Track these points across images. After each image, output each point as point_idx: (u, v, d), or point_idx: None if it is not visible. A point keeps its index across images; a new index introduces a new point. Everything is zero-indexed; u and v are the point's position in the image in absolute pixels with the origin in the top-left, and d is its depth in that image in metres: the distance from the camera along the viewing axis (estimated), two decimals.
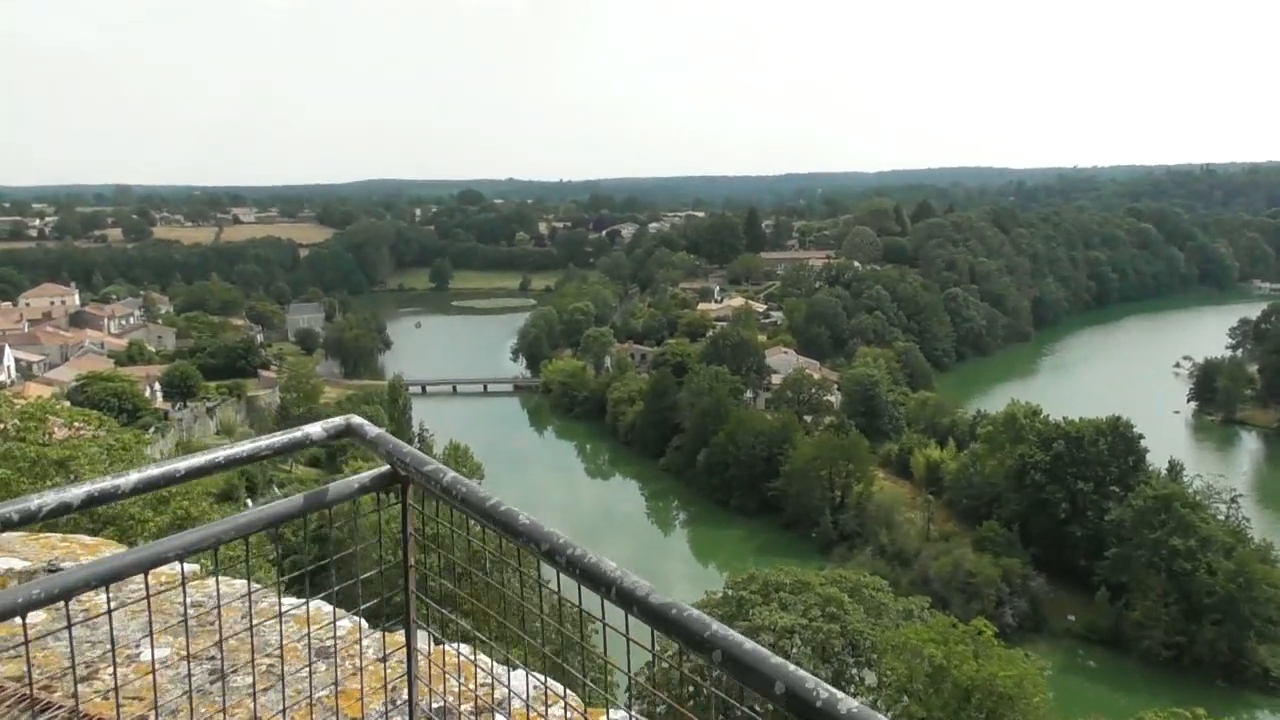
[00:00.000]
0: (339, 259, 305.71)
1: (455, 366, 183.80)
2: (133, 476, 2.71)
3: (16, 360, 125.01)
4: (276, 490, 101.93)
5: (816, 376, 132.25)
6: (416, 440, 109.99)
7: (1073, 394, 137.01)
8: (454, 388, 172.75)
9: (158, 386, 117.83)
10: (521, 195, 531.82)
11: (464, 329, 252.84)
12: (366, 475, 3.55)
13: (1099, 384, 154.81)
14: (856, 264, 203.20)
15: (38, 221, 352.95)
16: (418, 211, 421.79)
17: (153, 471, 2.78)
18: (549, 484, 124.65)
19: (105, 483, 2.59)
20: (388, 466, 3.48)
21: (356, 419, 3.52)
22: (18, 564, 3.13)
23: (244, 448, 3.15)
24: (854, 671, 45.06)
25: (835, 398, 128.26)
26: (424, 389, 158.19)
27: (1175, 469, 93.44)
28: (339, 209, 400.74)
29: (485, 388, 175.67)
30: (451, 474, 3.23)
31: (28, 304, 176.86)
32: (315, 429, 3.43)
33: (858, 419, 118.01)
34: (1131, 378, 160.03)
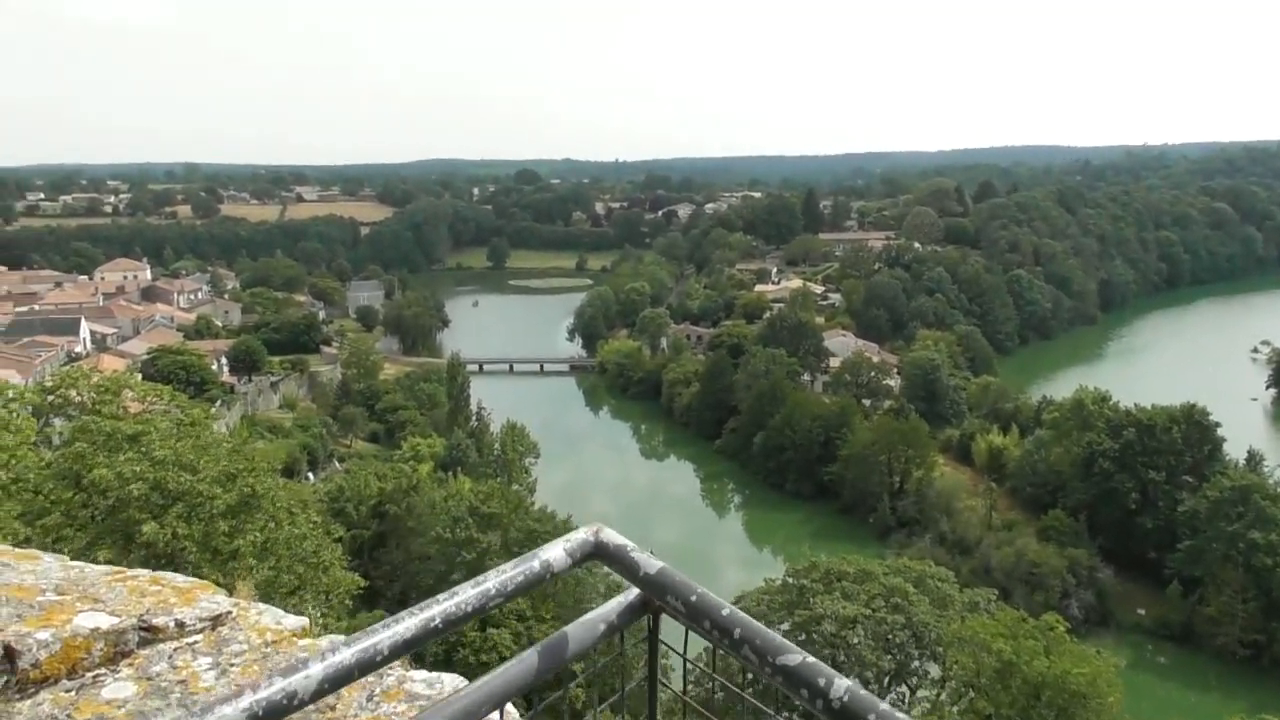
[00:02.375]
0: (398, 237, 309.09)
1: (512, 345, 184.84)
2: (318, 671, 2.03)
3: (92, 333, 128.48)
4: (337, 464, 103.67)
5: (875, 360, 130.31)
6: (474, 419, 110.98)
7: (1143, 380, 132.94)
8: (511, 367, 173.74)
9: (224, 360, 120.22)
10: (578, 175, 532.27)
11: (520, 308, 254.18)
12: (611, 611, 2.88)
13: (1171, 369, 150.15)
14: (917, 245, 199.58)
15: (112, 198, 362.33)
16: (475, 191, 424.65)
17: (348, 658, 2.14)
18: (602, 463, 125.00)
19: (283, 686, 1.85)
20: (635, 590, 2.86)
21: (607, 533, 2.88)
22: (105, 620, 2.77)
23: (470, 596, 2.47)
24: (917, 664, 44.27)
25: (894, 381, 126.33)
26: (481, 368, 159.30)
27: (1254, 459, 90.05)
28: (399, 188, 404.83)
29: (541, 367, 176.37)
30: (728, 608, 2.62)
31: (102, 278, 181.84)
32: (556, 554, 2.71)
33: (918, 403, 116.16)
34: (1205, 363, 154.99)
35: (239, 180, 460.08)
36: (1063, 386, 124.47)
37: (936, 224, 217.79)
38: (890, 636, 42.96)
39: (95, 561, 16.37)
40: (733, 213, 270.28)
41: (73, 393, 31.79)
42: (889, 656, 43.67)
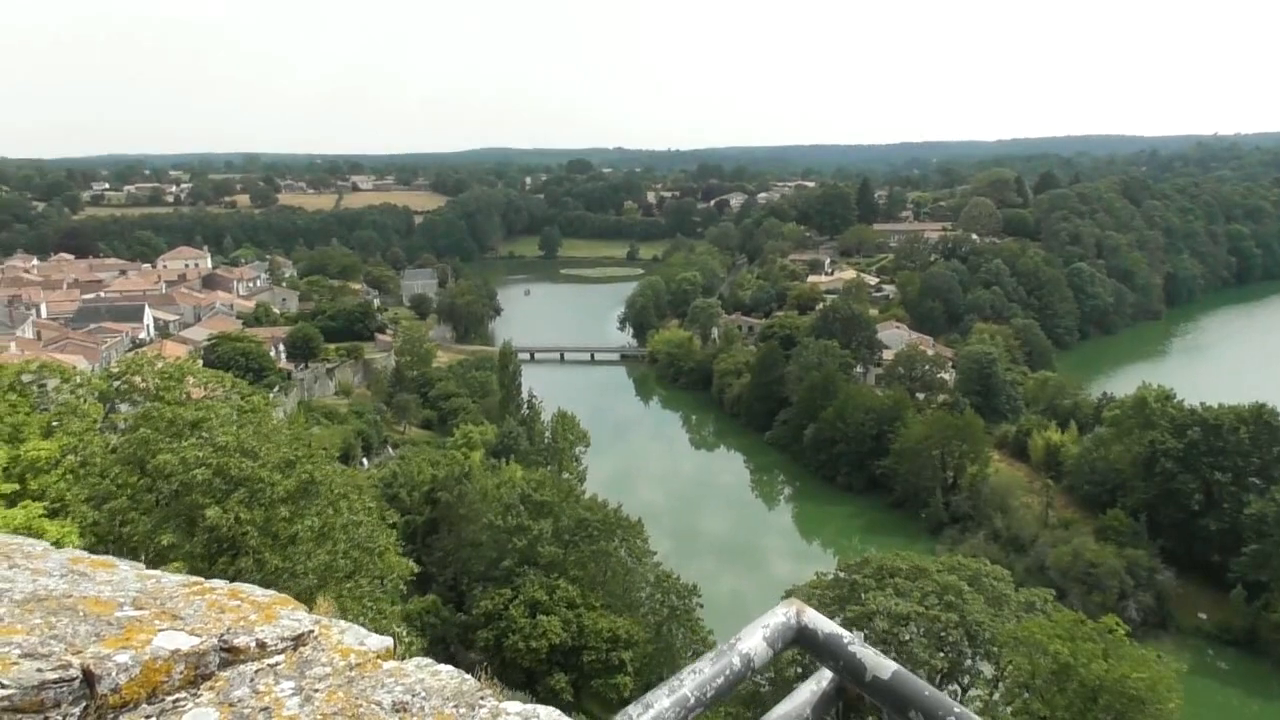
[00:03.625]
0: (452, 226, 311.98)
1: (563, 334, 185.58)
2: None
3: (155, 319, 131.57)
4: (391, 451, 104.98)
5: (930, 353, 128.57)
6: (526, 407, 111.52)
7: (1209, 378, 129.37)
8: (562, 355, 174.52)
9: (282, 347, 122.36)
10: (630, 164, 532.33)
11: (572, 297, 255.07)
12: (811, 695, 2.55)
13: (1239, 367, 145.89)
14: (974, 236, 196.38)
15: (174, 188, 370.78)
16: (528, 180, 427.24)
17: None
18: (651, 452, 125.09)
19: None
20: (830, 676, 2.55)
21: (809, 616, 2.55)
22: (185, 641, 2.65)
23: (665, 706, 2.16)
24: (970, 663, 43.56)
25: (949, 375, 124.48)
26: (533, 356, 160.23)
27: None
28: (452, 177, 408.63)
29: (592, 356, 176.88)
30: (928, 689, 2.33)
31: (165, 266, 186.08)
32: (755, 645, 2.40)
33: (973, 398, 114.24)
34: (1277, 362, 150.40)
35: (296, 170, 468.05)
36: (1124, 383, 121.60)
37: (995, 215, 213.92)
38: (943, 634, 42.29)
39: (159, 545, 16.64)
40: (786, 202, 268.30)
41: (137, 379, 32.40)
42: (941, 655, 43.01)
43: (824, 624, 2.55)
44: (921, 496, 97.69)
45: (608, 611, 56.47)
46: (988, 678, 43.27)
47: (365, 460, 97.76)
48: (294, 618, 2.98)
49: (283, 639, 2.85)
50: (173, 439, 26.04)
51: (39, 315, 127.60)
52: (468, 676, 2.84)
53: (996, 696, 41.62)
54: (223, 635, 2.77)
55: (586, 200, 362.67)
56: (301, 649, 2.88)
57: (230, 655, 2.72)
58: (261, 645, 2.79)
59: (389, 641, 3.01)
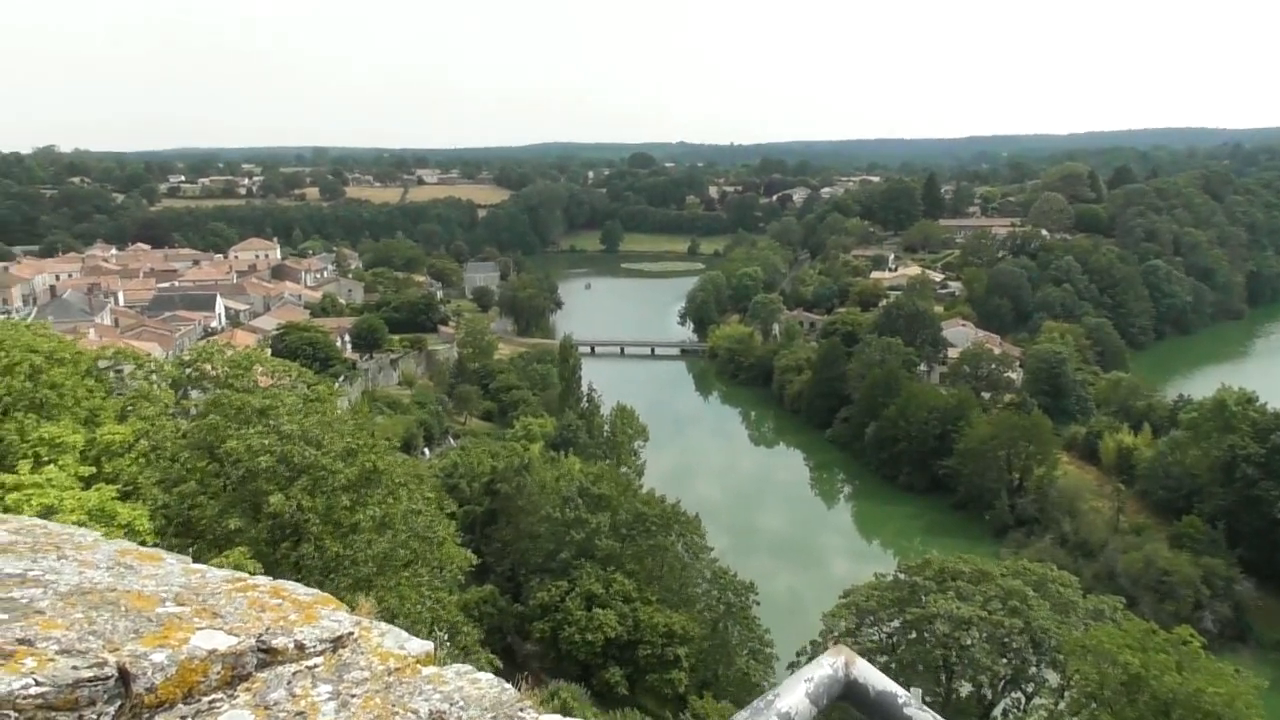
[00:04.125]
0: (515, 219, 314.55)
1: (623, 328, 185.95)
2: None
3: (226, 308, 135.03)
4: (452, 441, 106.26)
5: (997, 351, 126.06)
6: (585, 400, 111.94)
7: None
8: (622, 349, 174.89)
9: (347, 337, 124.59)
10: (692, 159, 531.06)
11: (632, 291, 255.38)
12: None
13: None
14: (1044, 232, 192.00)
15: (246, 181, 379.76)
16: (590, 174, 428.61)
17: None
18: (709, 448, 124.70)
19: None
20: None
21: (859, 668, 2.34)
22: (223, 641, 2.61)
23: None
24: (1035, 670, 42.55)
25: (1016, 375, 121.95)
26: (593, 349, 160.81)
27: None
28: (516, 171, 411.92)
29: (652, 350, 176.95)
30: None
31: (236, 256, 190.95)
32: (797, 702, 2.22)
33: (1041, 398, 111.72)
34: None
35: (364, 163, 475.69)
36: (1202, 385, 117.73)
37: (1067, 210, 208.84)
38: (1007, 640, 41.41)
39: (225, 529, 16.92)
40: (849, 197, 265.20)
41: (207, 366, 33.21)
42: (1005, 661, 42.17)
43: (876, 679, 2.32)
44: (986, 498, 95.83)
45: (664, 606, 56.43)
46: (1053, 686, 42.24)
47: (427, 450, 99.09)
48: (334, 618, 2.92)
49: (321, 641, 2.80)
50: (240, 426, 26.60)
51: (117, 303, 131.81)
52: (508, 686, 2.76)
53: (1062, 706, 40.57)
54: (261, 635, 2.72)
55: (648, 195, 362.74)
56: (340, 651, 2.82)
57: (268, 656, 2.67)
58: (300, 647, 2.74)
59: (429, 646, 2.94)
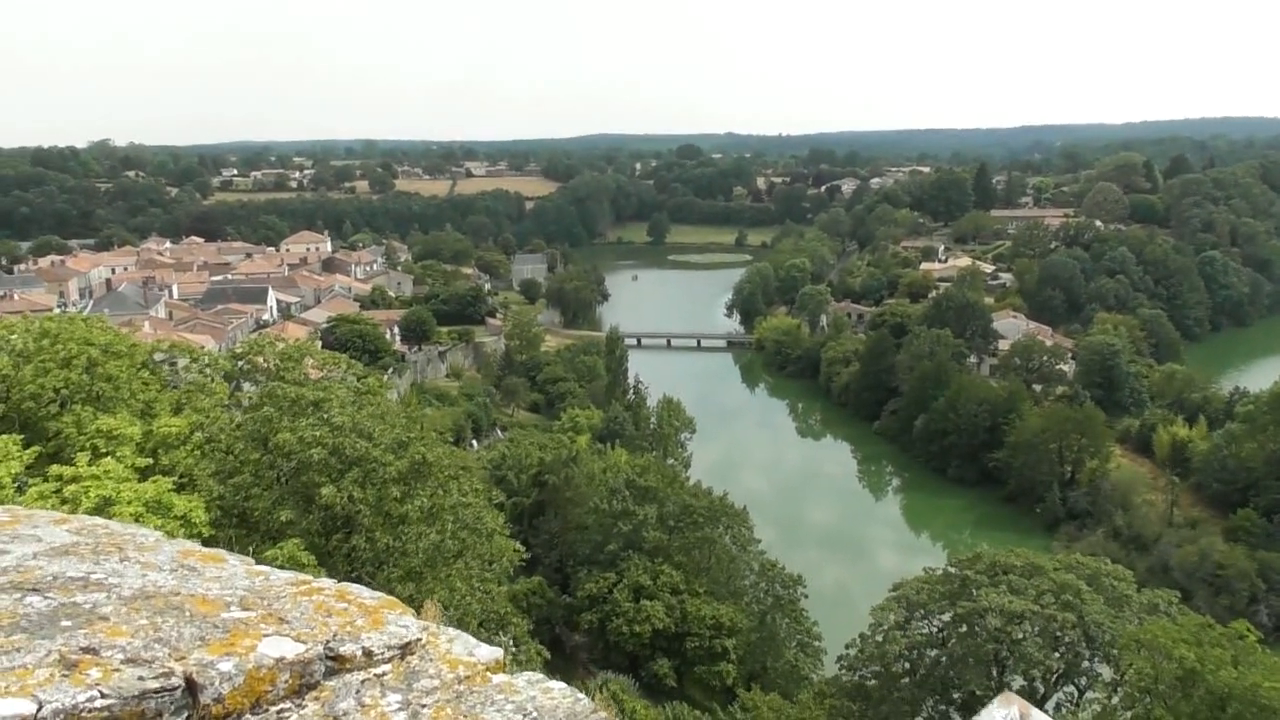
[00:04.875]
0: (562, 212, 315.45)
1: (669, 320, 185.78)
2: None
3: (278, 301, 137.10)
4: (499, 433, 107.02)
5: (1048, 343, 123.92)
6: (632, 392, 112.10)
7: None
8: (668, 341, 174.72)
9: (396, 330, 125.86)
10: (740, 150, 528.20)
11: (679, 283, 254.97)
12: None
13: None
14: (1098, 223, 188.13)
15: (298, 174, 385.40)
16: (638, 166, 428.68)
17: None
18: (756, 440, 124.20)
19: None
20: None
21: (1036, 718, 2.24)
22: (290, 648, 2.53)
23: None
24: (1088, 664, 41.75)
25: (1068, 367, 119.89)
26: (639, 341, 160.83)
27: None
28: (563, 163, 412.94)
29: (699, 342, 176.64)
30: None
31: (287, 249, 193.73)
32: None
33: (1093, 390, 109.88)
34: None
35: (413, 156, 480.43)
36: (1259, 377, 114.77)
37: (1121, 201, 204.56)
38: (1059, 634, 40.65)
39: (278, 521, 17.10)
40: (899, 188, 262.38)
41: (260, 359, 33.66)
42: (1057, 655, 41.40)
43: None
44: (1037, 491, 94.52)
45: (711, 598, 56.38)
46: (1106, 681, 41.43)
47: (475, 442, 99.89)
48: (401, 623, 2.84)
49: (390, 647, 2.72)
50: (293, 418, 26.91)
51: (171, 296, 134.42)
52: (581, 696, 2.66)
53: (1115, 700, 39.75)
54: (328, 642, 2.64)
55: (695, 186, 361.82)
56: (409, 658, 2.74)
57: (336, 664, 2.60)
58: (368, 654, 2.66)
59: (499, 653, 2.85)
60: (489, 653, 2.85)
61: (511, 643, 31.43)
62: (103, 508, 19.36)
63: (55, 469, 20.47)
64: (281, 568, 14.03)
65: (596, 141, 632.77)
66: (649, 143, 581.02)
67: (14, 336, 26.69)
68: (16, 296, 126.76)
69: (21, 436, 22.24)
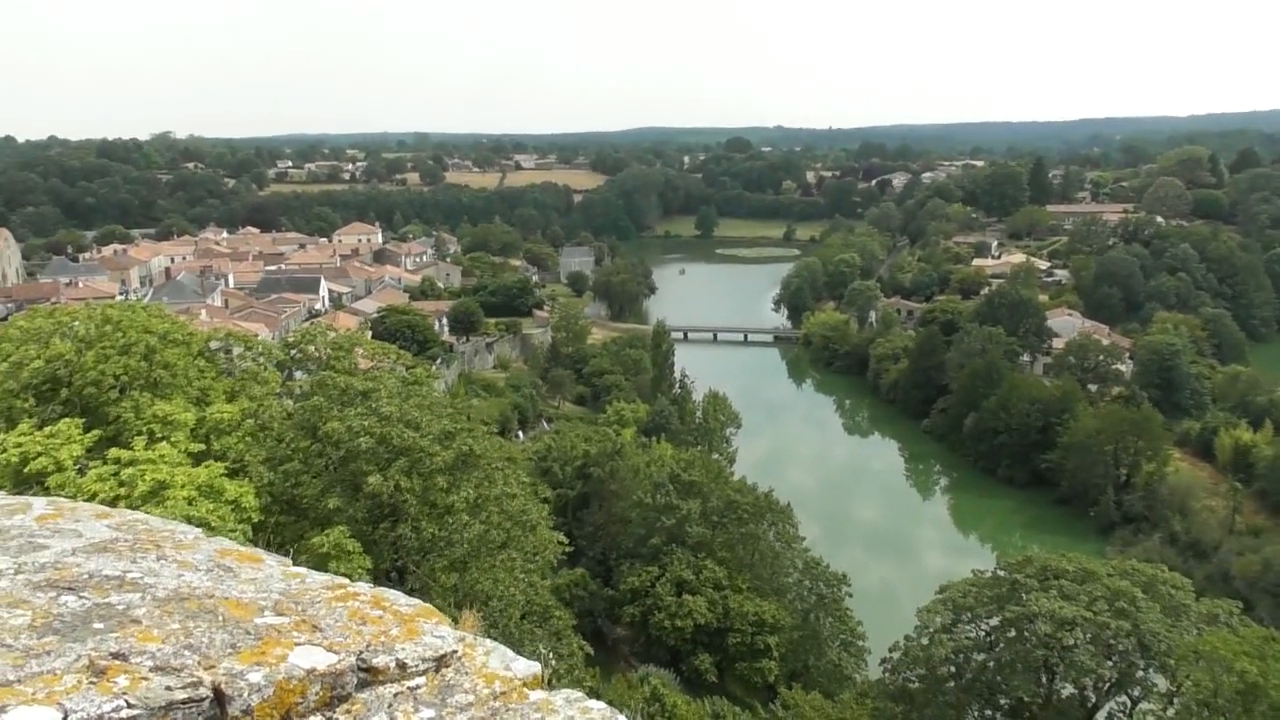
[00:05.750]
0: (610, 204, 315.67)
1: (716, 314, 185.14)
2: None
3: (330, 291, 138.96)
4: (545, 425, 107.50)
5: (1105, 342, 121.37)
6: (677, 386, 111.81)
7: None
8: (714, 335, 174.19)
9: (445, 321, 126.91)
10: (790, 143, 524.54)
11: (726, 277, 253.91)
12: None
13: None
14: (1159, 219, 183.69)
15: (351, 166, 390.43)
16: (686, 159, 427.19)
17: None
18: (801, 436, 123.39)
19: None
20: None
21: None
22: (322, 659, 2.46)
23: None
24: (1142, 674, 40.77)
25: (1125, 367, 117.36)
26: (685, 335, 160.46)
27: None
28: (612, 156, 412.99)
29: (745, 337, 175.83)
30: None
31: (340, 240, 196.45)
32: None
33: (1151, 391, 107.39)
34: None
35: (463, 149, 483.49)
36: None
37: (1184, 196, 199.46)
38: (1113, 642, 39.75)
39: (326, 508, 17.25)
40: (952, 182, 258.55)
41: (311, 348, 34.07)
42: (1110, 664, 40.52)
43: None
44: (1090, 494, 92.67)
45: (754, 595, 56.08)
46: (1161, 692, 40.45)
47: (521, 433, 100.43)
48: (437, 634, 2.76)
49: (424, 659, 2.63)
50: (342, 408, 27.22)
51: (227, 285, 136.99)
52: (620, 715, 2.55)
53: (1171, 713, 38.85)
54: (362, 653, 2.56)
55: (744, 180, 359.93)
56: (444, 671, 2.65)
57: (369, 675, 2.52)
58: (402, 666, 2.58)
59: (536, 668, 2.75)
60: (526, 667, 2.75)
61: (554, 637, 31.52)
62: (158, 491, 19.74)
63: (114, 452, 20.92)
64: (327, 554, 14.17)
65: (645, 135, 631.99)
66: (698, 136, 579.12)
67: (77, 323, 27.30)
68: (81, 284, 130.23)
69: (83, 420, 22.77)
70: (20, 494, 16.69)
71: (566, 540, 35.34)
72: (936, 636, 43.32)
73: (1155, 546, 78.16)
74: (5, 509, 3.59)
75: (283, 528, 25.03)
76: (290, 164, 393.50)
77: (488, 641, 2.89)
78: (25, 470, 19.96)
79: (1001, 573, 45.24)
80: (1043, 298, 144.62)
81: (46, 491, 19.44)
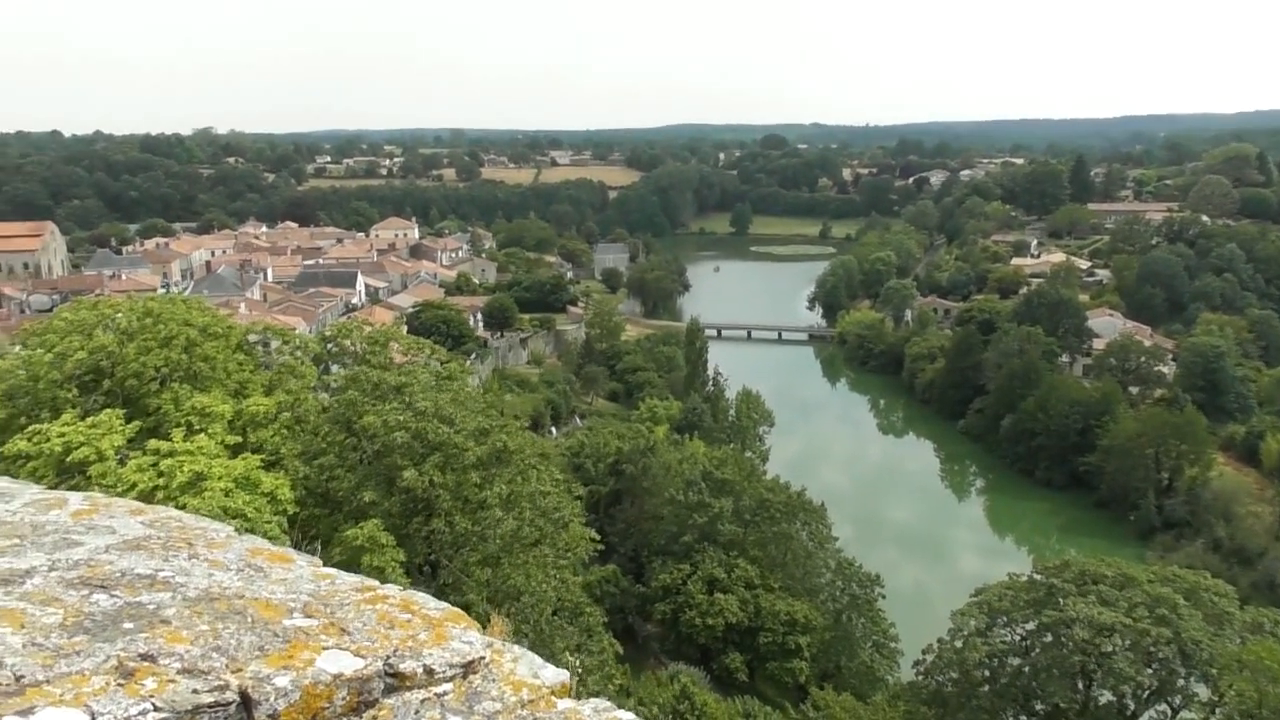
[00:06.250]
0: (645, 201, 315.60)
1: (750, 312, 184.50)
2: None
3: (366, 285, 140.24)
4: (578, 421, 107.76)
5: (1147, 344, 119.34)
6: (711, 384, 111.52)
7: None
8: (749, 333, 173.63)
9: (479, 316, 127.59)
10: (826, 140, 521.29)
11: (761, 275, 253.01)
12: None
13: None
14: (1204, 218, 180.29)
15: (387, 162, 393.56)
16: (721, 156, 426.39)
17: None
18: (835, 435, 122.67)
19: None
20: None
21: None
22: (349, 664, 2.44)
23: None
24: (1183, 683, 40.04)
25: (1168, 369, 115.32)
26: (719, 333, 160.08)
27: None
28: (647, 153, 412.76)
29: (779, 335, 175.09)
30: None
31: (377, 235, 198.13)
32: None
33: (1195, 394, 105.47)
34: None
35: (499, 145, 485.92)
36: None
37: (1231, 195, 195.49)
38: (1153, 650, 39.09)
39: (361, 502, 17.39)
40: (990, 180, 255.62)
41: (347, 342, 34.35)
42: (1149, 671, 39.83)
43: None
44: (1130, 498, 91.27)
45: (786, 594, 55.84)
46: (1203, 701, 39.74)
47: (554, 429, 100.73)
48: (465, 639, 2.73)
49: (452, 665, 2.60)
50: (377, 402, 27.43)
51: (266, 279, 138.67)
52: None
53: None
54: (389, 658, 2.54)
55: (780, 177, 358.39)
56: (471, 677, 2.62)
57: (396, 681, 2.50)
58: (429, 672, 2.55)
59: (564, 676, 2.71)
60: (555, 675, 2.72)
61: (584, 633, 31.56)
62: (196, 482, 20.03)
63: (153, 443, 21.25)
64: (361, 547, 14.21)
65: (680, 131, 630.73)
66: (733, 133, 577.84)
67: (119, 315, 27.71)
68: (124, 276, 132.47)
69: (124, 411, 23.15)
70: (61, 483, 17.03)
71: (598, 537, 35.40)
72: (971, 640, 42.87)
73: (1198, 552, 76.87)
74: (42, 504, 3.62)
75: (317, 520, 25.30)
76: (329, 159, 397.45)
77: (516, 648, 2.86)
78: (68, 459, 20.33)
79: (1038, 576, 44.70)
80: (1083, 298, 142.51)
81: (88, 480, 19.80)
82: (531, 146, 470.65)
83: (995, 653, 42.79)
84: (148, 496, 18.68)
